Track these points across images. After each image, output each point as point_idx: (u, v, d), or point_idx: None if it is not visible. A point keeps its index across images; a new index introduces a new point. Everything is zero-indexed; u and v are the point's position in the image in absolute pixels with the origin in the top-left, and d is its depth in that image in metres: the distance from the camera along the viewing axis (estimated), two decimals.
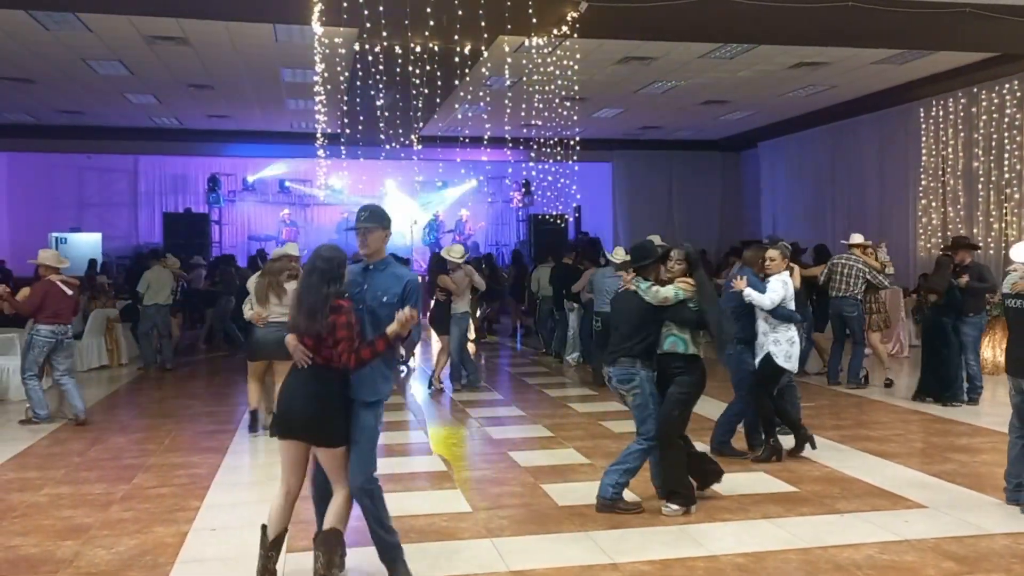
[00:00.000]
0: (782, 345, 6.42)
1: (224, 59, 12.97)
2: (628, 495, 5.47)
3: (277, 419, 4.21)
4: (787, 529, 5.00)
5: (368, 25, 9.54)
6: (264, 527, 4.08)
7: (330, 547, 3.93)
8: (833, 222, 18.23)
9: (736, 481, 5.93)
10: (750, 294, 6.39)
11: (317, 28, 10.21)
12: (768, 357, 6.44)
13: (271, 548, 4.05)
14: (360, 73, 12.03)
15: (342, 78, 11.94)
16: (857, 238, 10.38)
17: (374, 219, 4.17)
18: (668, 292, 5.28)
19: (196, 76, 14.16)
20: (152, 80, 14.45)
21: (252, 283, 7.67)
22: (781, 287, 6.42)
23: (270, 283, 7.49)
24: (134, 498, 5.62)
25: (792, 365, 6.51)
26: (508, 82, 13.47)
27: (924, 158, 15.55)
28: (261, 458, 6.76)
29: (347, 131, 14.91)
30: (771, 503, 5.49)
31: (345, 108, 13.95)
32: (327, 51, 10.92)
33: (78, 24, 11.01)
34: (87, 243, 21.78)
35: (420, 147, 16.22)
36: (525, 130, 16.35)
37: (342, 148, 14.66)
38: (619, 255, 10.25)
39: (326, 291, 3.94)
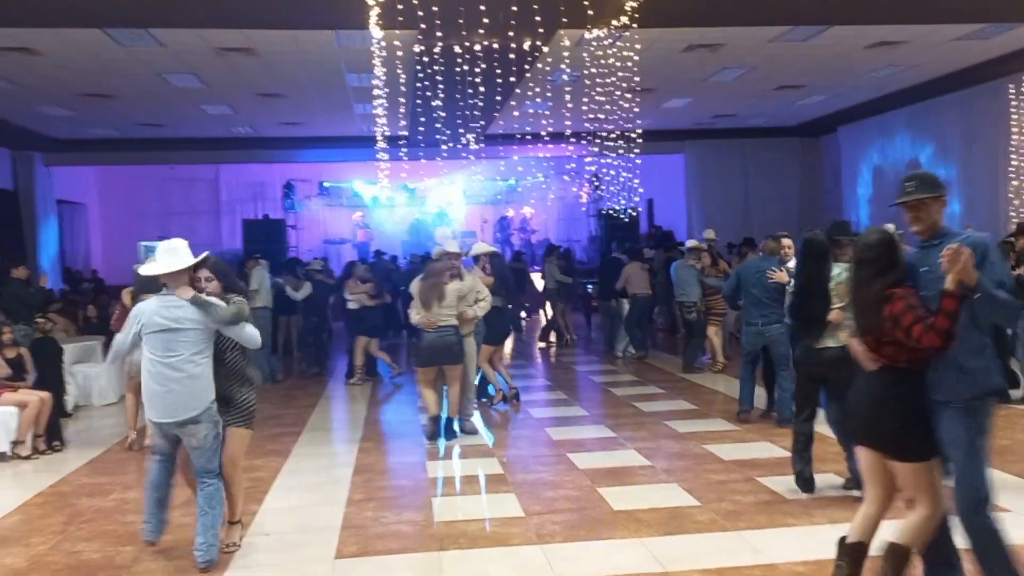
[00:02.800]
0: None
1: (290, 67, 13.19)
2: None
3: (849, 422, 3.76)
4: None
5: (423, 26, 9.54)
6: (843, 537, 3.73)
7: (890, 561, 3.49)
8: None
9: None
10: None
11: (376, 32, 10.27)
12: None
13: (842, 556, 3.65)
14: (420, 75, 12.07)
15: (402, 80, 11.99)
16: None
17: (927, 187, 3.53)
18: None
19: (265, 85, 14.44)
20: (225, 91, 14.80)
21: (415, 286, 7.37)
22: None
23: (433, 285, 7.24)
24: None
25: None
26: (570, 77, 13.31)
27: (1015, 136, 14.73)
28: (321, 462, 6.81)
29: (410, 134, 14.99)
30: (837, 506, 5.23)
31: (404, 111, 14.00)
32: (386, 54, 10.97)
33: (150, 40, 11.34)
34: None
35: (483, 146, 16.20)
36: (590, 124, 16.16)
37: (402, 152, 14.72)
38: (694, 242, 11.05)
39: (879, 282, 3.46)
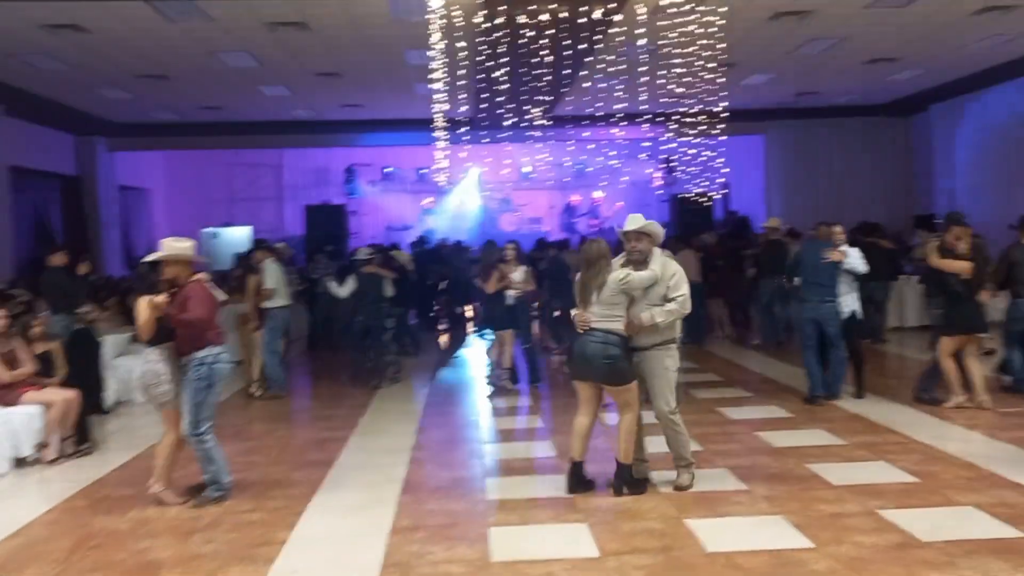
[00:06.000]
0: (859, 302, 8.14)
1: (346, 43, 12.53)
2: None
3: None
4: None
5: None
6: None
7: None
8: None
9: (935, 520, 4.70)
10: (852, 261, 7.91)
11: (435, 1, 9.49)
12: (853, 313, 8.03)
13: None
14: (484, 48, 11.26)
15: (462, 54, 11.17)
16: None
17: None
18: None
19: (322, 64, 13.85)
20: (281, 71, 14.27)
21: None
22: (859, 254, 8.04)
23: (596, 273, 5.41)
24: (221, 525, 5.02)
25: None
26: (645, 50, 12.32)
27: None
28: (367, 476, 6.03)
29: (472, 114, 14.16)
30: (990, 554, 4.22)
31: (462, 84, 13.14)
32: (446, 25, 10.16)
33: (199, 13, 10.79)
34: (239, 237, 22.35)
35: (551, 124, 15.28)
36: (665, 103, 15.12)
37: (461, 129, 13.87)
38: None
39: None
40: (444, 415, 8.25)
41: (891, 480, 5.50)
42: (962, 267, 7.40)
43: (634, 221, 5.66)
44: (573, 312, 5.56)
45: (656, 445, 6.60)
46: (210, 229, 22.38)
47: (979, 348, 7.84)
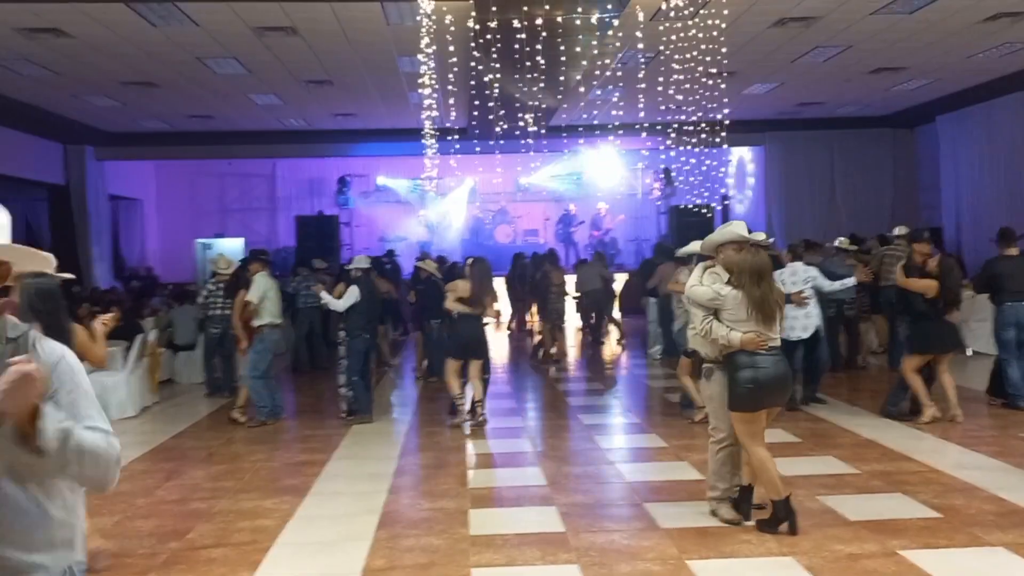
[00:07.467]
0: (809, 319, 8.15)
1: (337, 50, 12.17)
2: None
3: None
4: None
5: None
6: None
7: None
8: None
9: (963, 563, 4.27)
10: None
11: (426, 4, 9.12)
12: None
13: None
14: (478, 55, 10.89)
15: (453, 60, 10.79)
16: (902, 230, 10.74)
17: None
18: None
19: (313, 71, 13.51)
20: (270, 78, 13.93)
21: (732, 291, 4.89)
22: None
23: (772, 286, 4.86)
24: (178, 563, 4.58)
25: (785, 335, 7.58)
26: (643, 58, 11.96)
27: None
28: (342, 506, 5.58)
29: (465, 123, 13.78)
30: None
31: (455, 90, 12.75)
32: (436, 28, 9.79)
33: (183, 18, 10.44)
34: (231, 249, 21.94)
35: (544, 131, 14.91)
36: (664, 112, 14.75)
37: (452, 140, 13.48)
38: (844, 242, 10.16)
39: None
40: (429, 437, 7.79)
41: (911, 515, 5.05)
42: (927, 286, 7.32)
43: (742, 228, 5.05)
44: (744, 331, 4.73)
45: (657, 473, 6.18)
46: (202, 240, 22.06)
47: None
